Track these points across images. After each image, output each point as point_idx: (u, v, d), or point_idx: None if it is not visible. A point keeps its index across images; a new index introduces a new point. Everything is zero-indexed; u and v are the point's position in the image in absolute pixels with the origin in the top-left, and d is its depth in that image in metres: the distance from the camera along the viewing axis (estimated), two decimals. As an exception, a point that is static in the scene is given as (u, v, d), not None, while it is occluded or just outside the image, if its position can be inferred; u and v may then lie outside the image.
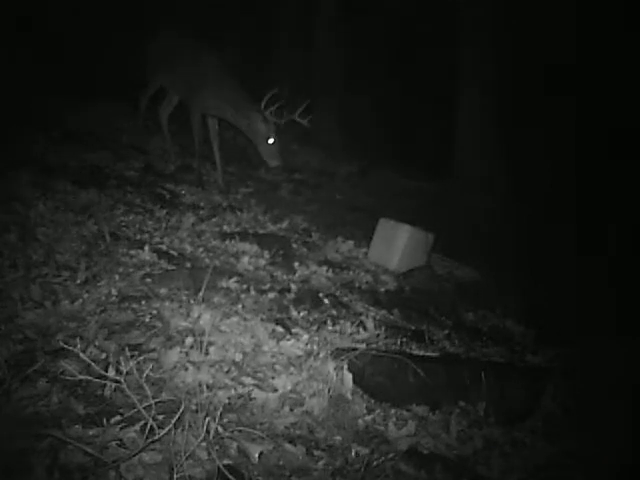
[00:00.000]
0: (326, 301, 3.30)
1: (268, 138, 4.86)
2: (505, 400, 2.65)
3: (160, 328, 2.51)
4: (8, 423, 1.75)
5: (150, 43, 5.55)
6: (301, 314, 3.04)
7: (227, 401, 2.12)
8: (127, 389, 1.84)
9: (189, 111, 5.24)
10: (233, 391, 2.19)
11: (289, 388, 2.31)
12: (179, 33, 5.58)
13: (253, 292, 3.14)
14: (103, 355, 2.20)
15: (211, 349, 2.41)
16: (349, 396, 2.39)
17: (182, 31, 5.65)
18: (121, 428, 1.81)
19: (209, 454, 1.80)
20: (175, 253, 3.44)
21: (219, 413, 1.93)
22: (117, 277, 2.91)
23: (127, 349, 2.19)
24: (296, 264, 3.79)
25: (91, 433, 1.79)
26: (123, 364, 1.91)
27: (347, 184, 6.97)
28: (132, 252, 3.25)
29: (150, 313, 2.63)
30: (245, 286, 3.19)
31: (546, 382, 2.90)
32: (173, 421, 1.79)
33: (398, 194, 6.72)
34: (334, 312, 3.19)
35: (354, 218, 5.47)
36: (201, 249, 3.65)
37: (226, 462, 1.80)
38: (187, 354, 2.34)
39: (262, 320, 2.83)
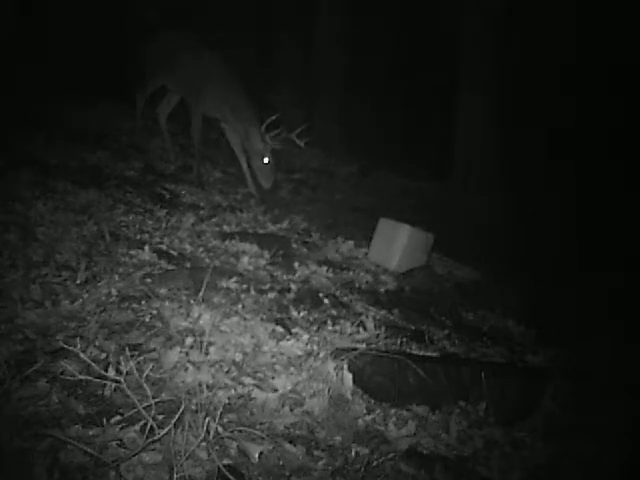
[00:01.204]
0: (326, 301, 3.30)
1: (263, 157, 4.86)
2: (505, 400, 2.65)
3: (160, 328, 2.51)
4: (8, 423, 1.75)
5: (150, 43, 5.51)
6: (301, 314, 3.04)
7: (227, 401, 2.12)
8: (127, 389, 1.83)
9: (190, 110, 5.22)
10: (233, 391, 2.19)
11: (289, 388, 2.31)
12: (180, 33, 5.54)
13: (253, 292, 3.14)
14: (103, 355, 2.20)
15: (211, 349, 2.41)
16: (349, 396, 2.38)
17: (183, 31, 5.63)
18: (121, 428, 1.81)
19: (209, 454, 1.80)
20: (175, 253, 3.44)
21: (219, 413, 1.93)
22: (117, 277, 2.90)
23: (127, 349, 2.18)
24: (296, 264, 3.79)
25: (91, 433, 1.79)
26: (123, 364, 1.91)
27: (347, 184, 6.97)
28: (132, 252, 3.25)
29: (150, 313, 2.63)
30: (245, 286, 3.19)
31: (546, 382, 2.90)
32: (173, 421, 1.79)
33: (398, 194, 6.72)
34: (334, 312, 3.19)
35: (354, 218, 5.48)
36: (201, 249, 3.65)
37: (226, 462, 1.80)
38: (187, 354, 2.34)
39: (262, 320, 2.83)
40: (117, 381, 1.91)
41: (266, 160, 4.88)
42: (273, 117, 4.80)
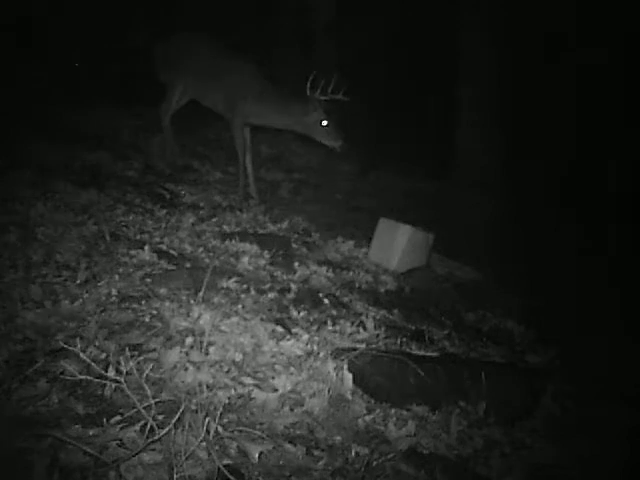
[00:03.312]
0: (326, 301, 3.30)
1: (321, 121, 4.75)
2: (505, 400, 2.65)
3: (160, 328, 2.51)
4: (8, 423, 1.75)
5: (171, 43, 5.28)
6: (301, 314, 3.04)
7: (227, 401, 2.12)
8: (127, 389, 1.84)
9: (230, 123, 5.06)
10: (233, 391, 2.20)
11: (289, 388, 2.31)
12: (209, 36, 5.34)
13: (253, 292, 3.14)
14: (103, 355, 2.20)
15: (211, 349, 2.41)
16: (349, 396, 2.39)
17: (212, 35, 5.39)
18: (121, 428, 1.81)
19: (209, 454, 1.80)
20: (175, 253, 3.44)
21: (219, 413, 1.93)
22: (117, 277, 2.90)
23: (127, 349, 2.19)
24: (296, 264, 3.79)
25: (91, 433, 1.79)
26: (123, 364, 1.91)
27: (347, 184, 6.97)
28: (132, 252, 3.25)
29: (150, 313, 2.63)
30: (245, 286, 3.19)
31: (546, 382, 2.91)
32: (173, 421, 1.79)
33: (398, 194, 6.72)
34: (334, 312, 3.19)
35: (354, 218, 5.47)
36: (201, 249, 3.65)
37: (226, 462, 1.80)
38: (187, 354, 2.34)
39: (262, 320, 2.83)
40: (117, 381, 1.91)
41: (325, 122, 4.74)
42: (313, 74, 4.69)
